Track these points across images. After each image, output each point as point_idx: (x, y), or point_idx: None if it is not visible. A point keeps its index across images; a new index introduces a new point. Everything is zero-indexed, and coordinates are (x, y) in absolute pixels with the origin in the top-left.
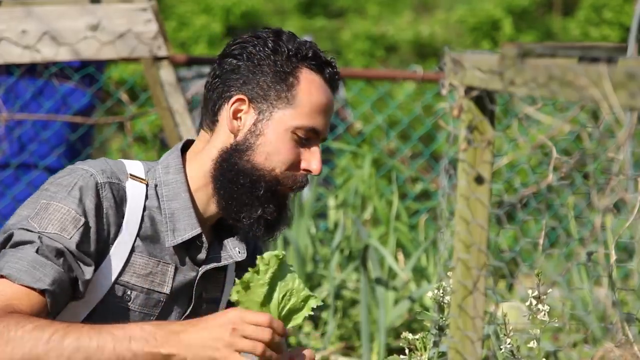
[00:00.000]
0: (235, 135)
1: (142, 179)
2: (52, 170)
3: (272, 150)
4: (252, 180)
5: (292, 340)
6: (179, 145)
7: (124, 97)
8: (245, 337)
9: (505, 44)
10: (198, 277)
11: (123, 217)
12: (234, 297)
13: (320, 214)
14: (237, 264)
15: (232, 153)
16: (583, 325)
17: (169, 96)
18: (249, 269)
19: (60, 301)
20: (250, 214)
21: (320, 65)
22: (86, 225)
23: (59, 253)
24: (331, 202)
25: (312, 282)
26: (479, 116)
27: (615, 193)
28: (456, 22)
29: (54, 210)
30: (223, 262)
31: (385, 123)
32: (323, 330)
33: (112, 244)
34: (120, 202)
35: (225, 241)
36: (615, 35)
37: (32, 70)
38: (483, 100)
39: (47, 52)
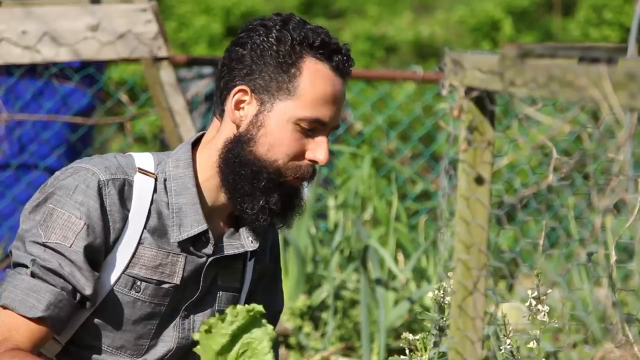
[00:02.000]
0: (238, 126)
1: (151, 172)
2: (52, 171)
3: (274, 141)
4: (254, 171)
5: (292, 340)
6: (192, 137)
7: (124, 97)
8: None
9: (505, 44)
10: (206, 265)
11: (129, 212)
12: (196, 337)
13: (320, 214)
14: (256, 257)
15: (235, 144)
16: (583, 325)
17: (169, 97)
18: (216, 314)
19: (63, 319)
20: (252, 204)
21: (328, 53)
22: (87, 227)
23: (54, 272)
24: (331, 202)
25: (312, 282)
26: (479, 117)
27: (615, 194)
28: (456, 22)
29: (57, 217)
30: (227, 252)
31: (385, 123)
32: (323, 331)
33: (119, 239)
34: (125, 197)
35: (241, 230)
36: (615, 35)
37: (32, 70)
38: (483, 101)
39: (47, 53)
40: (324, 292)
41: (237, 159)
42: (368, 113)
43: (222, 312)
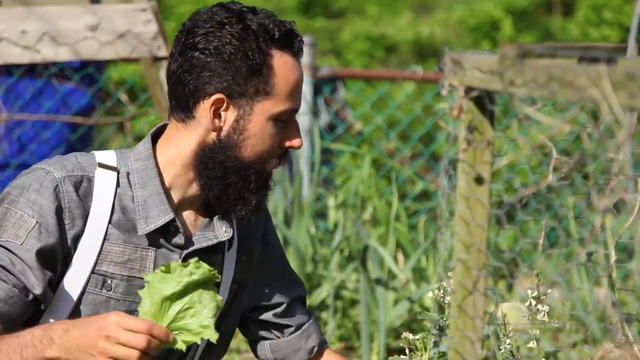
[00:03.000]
0: (218, 133)
1: (112, 167)
2: None
3: (255, 142)
4: (242, 177)
5: None
6: (152, 130)
7: (124, 97)
8: (120, 344)
9: (505, 44)
10: (180, 260)
11: (90, 208)
12: (147, 277)
13: (320, 214)
14: (240, 247)
15: (217, 151)
16: (583, 325)
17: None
18: (179, 261)
19: (14, 316)
20: (245, 205)
21: (287, 41)
22: (40, 226)
23: (6, 269)
24: (331, 202)
25: (312, 282)
26: (479, 116)
27: (615, 193)
28: (456, 22)
29: (10, 215)
30: (200, 245)
31: (385, 123)
32: (323, 331)
33: (82, 235)
34: (84, 193)
35: (215, 219)
36: (615, 35)
37: (32, 70)
38: (483, 101)
39: (47, 52)
40: (323, 292)
41: (222, 165)
42: (368, 113)
43: None
